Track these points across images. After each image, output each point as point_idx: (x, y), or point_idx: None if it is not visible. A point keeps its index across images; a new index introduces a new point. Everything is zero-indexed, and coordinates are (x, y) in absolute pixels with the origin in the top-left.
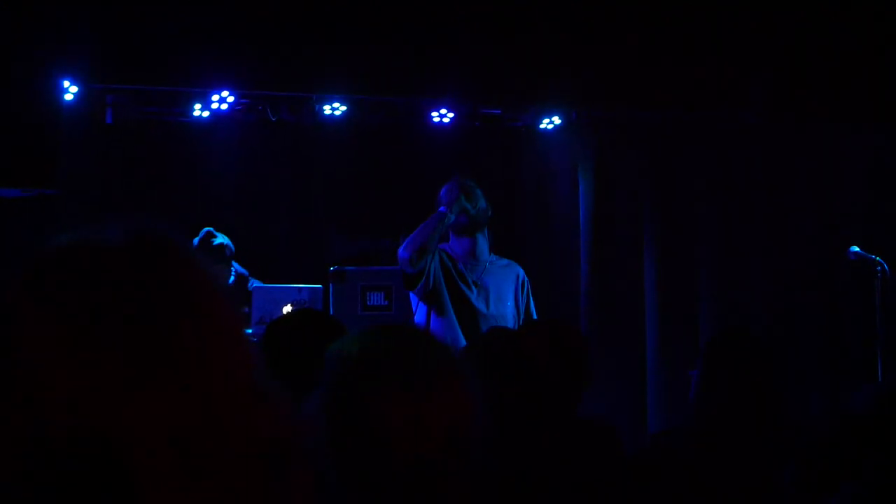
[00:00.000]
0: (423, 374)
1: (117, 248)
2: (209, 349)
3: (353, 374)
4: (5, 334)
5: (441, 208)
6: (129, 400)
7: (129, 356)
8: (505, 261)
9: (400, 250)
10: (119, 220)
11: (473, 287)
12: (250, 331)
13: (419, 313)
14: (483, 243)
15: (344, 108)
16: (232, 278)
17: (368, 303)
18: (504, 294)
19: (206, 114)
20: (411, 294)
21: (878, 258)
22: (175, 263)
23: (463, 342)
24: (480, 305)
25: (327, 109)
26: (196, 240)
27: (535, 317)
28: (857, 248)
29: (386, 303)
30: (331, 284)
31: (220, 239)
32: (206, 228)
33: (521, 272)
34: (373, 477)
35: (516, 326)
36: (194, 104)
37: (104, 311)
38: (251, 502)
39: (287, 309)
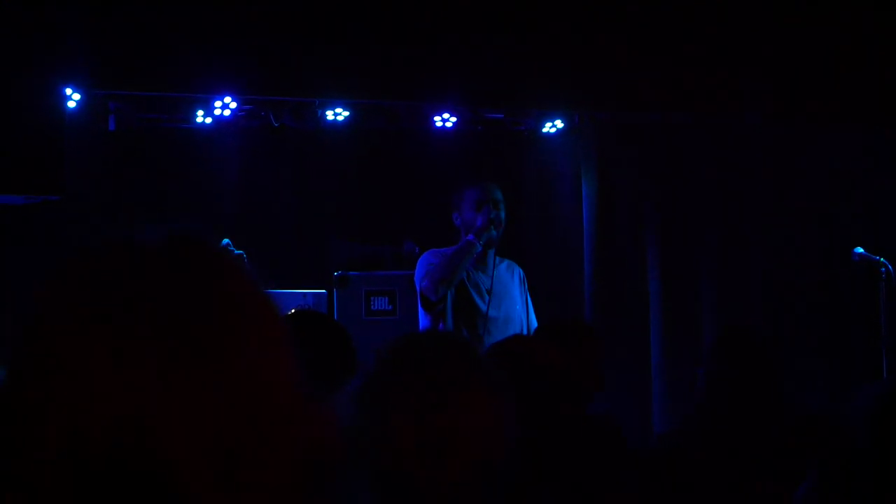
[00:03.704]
0: (451, 381)
1: (154, 251)
2: (252, 354)
3: (381, 378)
4: (42, 339)
5: (470, 237)
6: (172, 408)
7: (171, 363)
8: (505, 262)
9: (426, 281)
10: (151, 224)
11: (486, 295)
12: None
13: (424, 322)
14: (491, 252)
15: (346, 113)
16: None
17: (373, 307)
18: (513, 296)
19: (208, 120)
20: (420, 307)
21: (882, 259)
22: (214, 266)
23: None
24: (493, 312)
25: (330, 115)
26: None
27: (532, 314)
28: (861, 250)
29: (390, 307)
30: (335, 289)
31: (239, 251)
32: (225, 240)
33: (521, 271)
34: (393, 479)
35: (524, 326)
36: (197, 111)
37: (144, 317)
38: None
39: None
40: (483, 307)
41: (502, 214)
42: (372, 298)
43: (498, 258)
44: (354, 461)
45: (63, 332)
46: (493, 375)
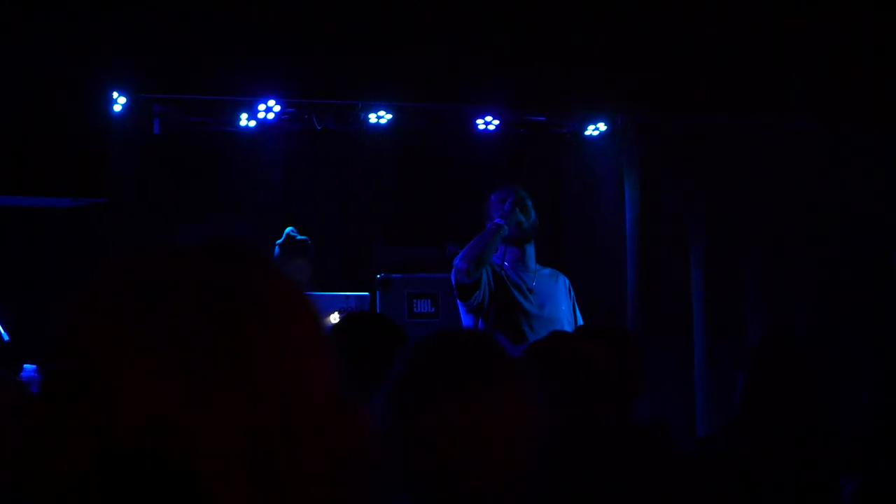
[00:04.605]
0: (478, 380)
1: (193, 254)
2: (286, 359)
3: (410, 379)
4: (77, 341)
5: (497, 220)
6: (201, 410)
7: (203, 365)
8: (548, 270)
9: (456, 261)
10: (194, 226)
11: (528, 293)
12: None
13: (467, 322)
14: (531, 252)
15: (389, 116)
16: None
17: (415, 310)
18: (558, 298)
19: (252, 123)
20: (459, 304)
21: None
22: (252, 270)
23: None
24: (535, 310)
25: (373, 118)
26: (280, 240)
27: (581, 321)
28: None
29: (433, 310)
30: (377, 292)
31: (303, 237)
32: (289, 228)
33: (566, 280)
34: (427, 480)
35: (571, 328)
36: (241, 114)
37: (177, 319)
38: None
39: (335, 317)
40: (526, 305)
41: (529, 205)
42: (414, 301)
43: (540, 265)
44: (387, 460)
45: (96, 334)
46: (523, 373)
